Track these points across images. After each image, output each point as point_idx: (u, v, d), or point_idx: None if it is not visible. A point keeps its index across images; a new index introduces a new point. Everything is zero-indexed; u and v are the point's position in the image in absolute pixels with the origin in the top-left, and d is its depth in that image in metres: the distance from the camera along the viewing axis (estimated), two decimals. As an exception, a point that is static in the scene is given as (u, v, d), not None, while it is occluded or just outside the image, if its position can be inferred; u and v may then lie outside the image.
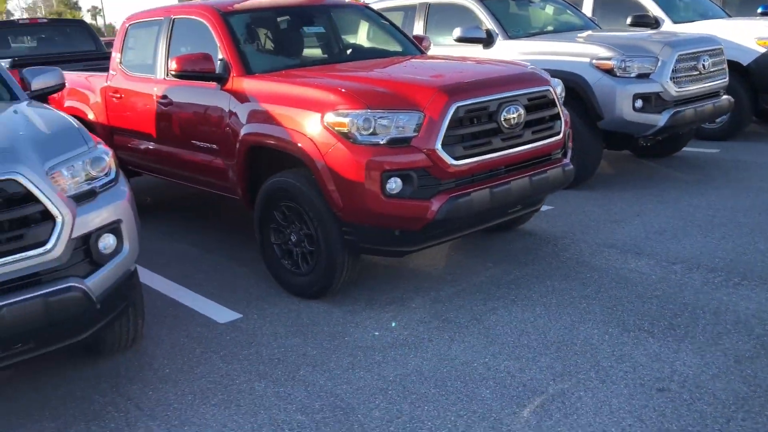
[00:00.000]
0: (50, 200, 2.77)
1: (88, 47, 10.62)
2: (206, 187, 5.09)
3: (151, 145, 5.42)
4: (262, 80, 4.48)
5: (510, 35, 6.79)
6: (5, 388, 3.42)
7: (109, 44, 11.50)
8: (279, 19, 5.29)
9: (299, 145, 3.97)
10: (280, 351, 3.64)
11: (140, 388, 3.35)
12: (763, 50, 7.67)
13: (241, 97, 4.50)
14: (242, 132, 4.42)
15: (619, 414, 2.85)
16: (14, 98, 3.97)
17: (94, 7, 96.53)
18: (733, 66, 7.33)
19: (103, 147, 3.25)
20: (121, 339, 3.58)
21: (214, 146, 4.77)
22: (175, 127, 5.11)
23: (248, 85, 4.50)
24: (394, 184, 3.72)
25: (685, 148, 7.56)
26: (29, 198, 2.74)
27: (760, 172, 6.65)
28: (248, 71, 4.59)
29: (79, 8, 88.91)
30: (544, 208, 5.56)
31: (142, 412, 3.15)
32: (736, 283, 4.05)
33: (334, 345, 3.65)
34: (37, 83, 4.09)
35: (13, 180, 2.69)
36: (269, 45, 5.19)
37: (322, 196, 3.93)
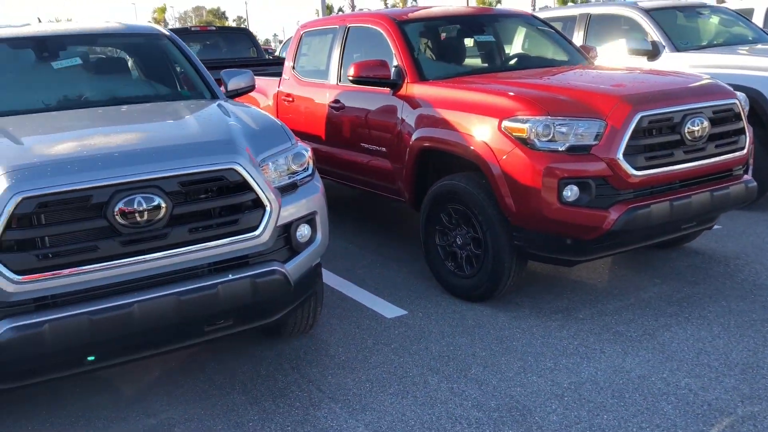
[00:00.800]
0: (262, 190, 3.02)
1: (249, 54, 11.32)
2: (372, 188, 5.29)
3: (320, 147, 5.71)
4: (436, 86, 4.61)
5: (678, 47, 6.56)
6: (192, 363, 3.73)
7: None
8: (450, 28, 5.43)
9: (473, 149, 4.06)
10: (449, 349, 3.73)
11: (320, 372, 3.55)
12: None
13: (414, 103, 4.65)
14: (414, 136, 4.57)
15: (820, 443, 2.70)
16: (214, 97, 4.34)
17: (239, 17, 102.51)
18: None
19: (302, 144, 3.50)
20: (301, 324, 3.81)
21: (383, 149, 4.97)
22: (345, 130, 5.37)
23: (421, 91, 4.66)
24: (571, 192, 3.71)
25: None
26: (244, 187, 3.00)
27: None
28: (422, 78, 4.75)
29: (227, 18, 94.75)
30: (714, 226, 5.31)
31: (323, 394, 3.34)
32: None
33: (502, 348, 3.70)
34: (233, 84, 4.44)
35: (233, 169, 2.96)
36: (441, 53, 5.33)
37: (494, 200, 3.99)
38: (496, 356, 3.61)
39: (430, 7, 5.73)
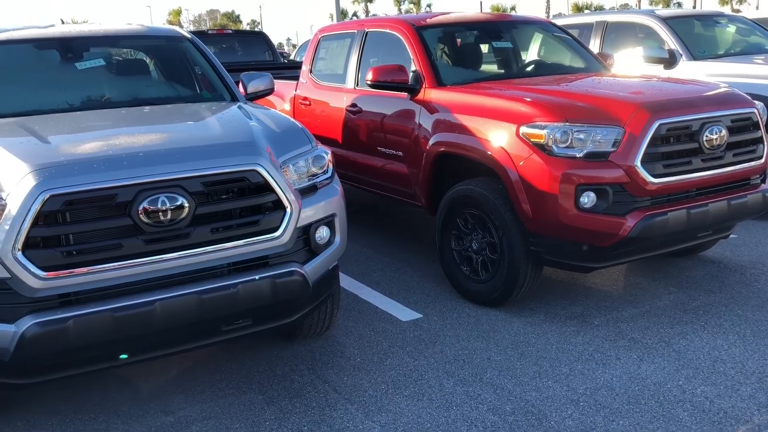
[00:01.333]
0: (283, 191, 3.05)
1: (265, 57, 11.38)
2: (388, 192, 5.32)
3: (336, 150, 5.72)
4: (454, 92, 4.64)
5: (695, 56, 6.56)
6: (210, 362, 3.76)
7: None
8: (468, 34, 5.46)
9: (491, 154, 4.08)
10: (464, 353, 3.74)
11: (335, 373, 3.58)
12: None
13: (431, 108, 4.68)
14: (431, 141, 4.60)
15: (838, 453, 2.70)
16: (234, 99, 4.39)
17: (253, 21, 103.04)
18: None
19: (322, 147, 3.53)
20: (317, 326, 3.84)
21: (400, 153, 5.00)
22: (362, 134, 5.40)
23: (439, 96, 4.68)
24: (588, 198, 3.73)
25: None
26: (265, 188, 3.04)
27: None
28: (439, 83, 4.78)
29: (241, 21, 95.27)
30: (730, 236, 5.30)
31: (339, 395, 3.36)
32: None
33: (517, 353, 3.71)
34: (252, 87, 4.49)
35: (255, 171, 2.99)
36: (458, 58, 5.36)
37: (511, 205, 4.01)
38: (512, 361, 3.62)
39: (449, 13, 5.77)
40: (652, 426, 2.96)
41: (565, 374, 3.45)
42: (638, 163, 3.69)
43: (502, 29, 5.59)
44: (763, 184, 4.30)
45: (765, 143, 4.21)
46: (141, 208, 2.77)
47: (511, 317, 4.16)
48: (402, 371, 3.57)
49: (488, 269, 4.28)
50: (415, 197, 4.95)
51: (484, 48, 5.53)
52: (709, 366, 3.46)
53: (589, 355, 3.64)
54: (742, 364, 3.47)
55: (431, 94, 4.75)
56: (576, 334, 3.90)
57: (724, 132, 3.93)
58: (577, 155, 3.75)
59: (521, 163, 3.90)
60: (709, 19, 7.28)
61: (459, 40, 5.49)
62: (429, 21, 5.30)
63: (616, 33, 7.32)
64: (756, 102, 4.29)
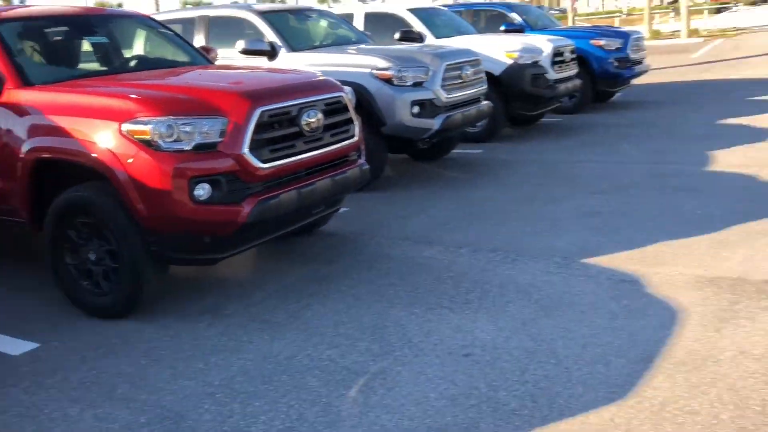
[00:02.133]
0: None
1: None
2: (-19, 211, 4.60)
3: None
4: (45, 91, 4.20)
5: (293, 48, 7.01)
6: None
7: None
8: (58, 29, 4.97)
9: (96, 156, 3.80)
10: (91, 374, 3.44)
11: (-70, 434, 2.99)
12: (510, 62, 8.75)
13: (20, 111, 4.17)
14: (25, 147, 4.10)
15: (434, 381, 3.16)
16: None
17: None
18: (487, 76, 8.22)
19: None
20: None
21: (-12, 166, 4.35)
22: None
23: (28, 97, 4.19)
24: (203, 190, 3.72)
25: (454, 150, 8.37)
26: None
27: (518, 168, 7.60)
28: (26, 83, 4.27)
29: None
30: (342, 209, 5.84)
31: (-64, 458, 2.82)
32: (513, 260, 4.64)
33: (150, 360, 3.55)
34: None
35: None
36: (49, 55, 4.84)
37: (125, 207, 3.80)
38: (145, 370, 3.45)
39: (30, 6, 5.19)
40: (286, 399, 3.09)
41: (201, 370, 3.41)
42: (246, 150, 3.80)
43: (95, 24, 5.24)
44: (360, 160, 4.81)
45: (356, 123, 4.70)
46: None
47: (142, 324, 3.97)
48: (16, 411, 3.13)
49: (110, 279, 4.00)
50: (16, 213, 4.37)
51: (85, 45, 5.12)
52: (333, 330, 3.76)
53: (222, 345, 3.66)
54: (359, 321, 3.84)
55: (18, 95, 4.22)
56: (209, 327, 3.89)
57: (320, 115, 4.27)
58: (186, 148, 3.71)
59: (129, 161, 3.71)
60: (301, 14, 7.87)
61: (47, 36, 4.97)
62: (4, 15, 4.68)
63: (219, 27, 7.44)
64: (345, 87, 4.76)
